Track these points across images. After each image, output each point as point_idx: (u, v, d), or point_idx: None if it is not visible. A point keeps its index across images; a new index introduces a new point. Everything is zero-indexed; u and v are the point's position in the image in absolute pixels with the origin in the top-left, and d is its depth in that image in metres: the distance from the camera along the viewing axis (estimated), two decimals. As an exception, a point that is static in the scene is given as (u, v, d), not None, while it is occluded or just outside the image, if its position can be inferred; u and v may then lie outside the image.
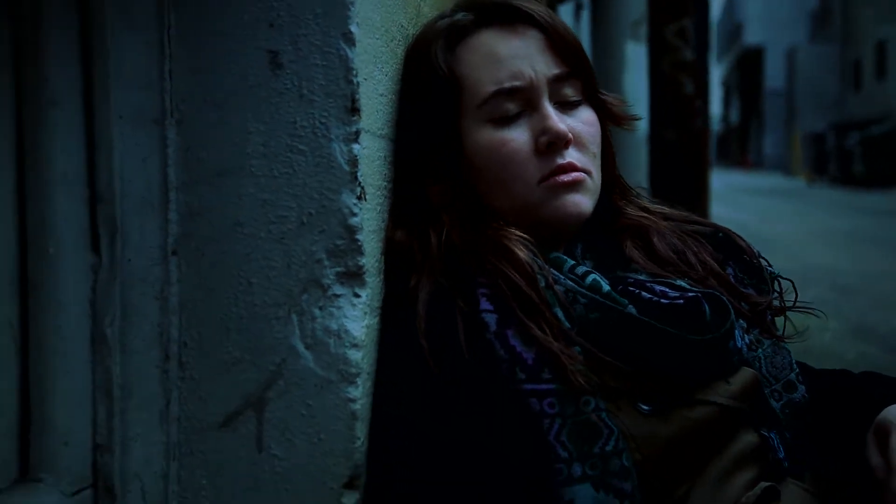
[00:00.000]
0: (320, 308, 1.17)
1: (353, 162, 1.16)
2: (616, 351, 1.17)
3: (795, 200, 17.61)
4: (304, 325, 1.17)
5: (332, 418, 1.17)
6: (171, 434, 1.18)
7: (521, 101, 1.27)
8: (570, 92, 1.30)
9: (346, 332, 1.17)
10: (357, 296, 1.18)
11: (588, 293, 1.20)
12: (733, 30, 45.29)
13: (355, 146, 1.16)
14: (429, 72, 1.28)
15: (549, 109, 1.26)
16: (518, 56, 1.27)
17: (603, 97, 1.37)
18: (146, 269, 1.17)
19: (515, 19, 1.30)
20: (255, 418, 1.18)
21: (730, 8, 47.59)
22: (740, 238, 1.41)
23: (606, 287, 1.22)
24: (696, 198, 8.29)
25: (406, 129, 1.30)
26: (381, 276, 1.25)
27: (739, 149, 41.48)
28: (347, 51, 1.15)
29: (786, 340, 1.36)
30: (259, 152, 1.17)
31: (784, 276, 1.40)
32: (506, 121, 1.26)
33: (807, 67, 34.36)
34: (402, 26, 1.32)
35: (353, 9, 1.15)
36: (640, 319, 1.19)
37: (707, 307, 1.22)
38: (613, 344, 1.18)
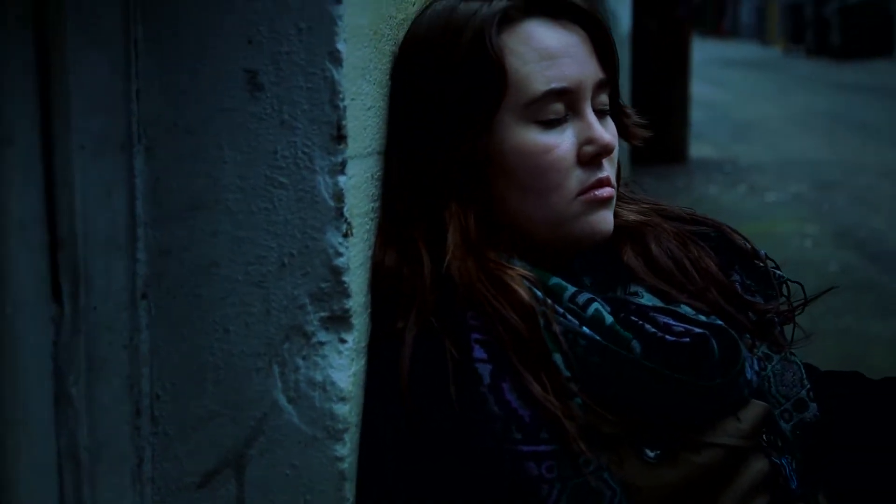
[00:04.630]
0: (303, 357, 1.05)
1: (339, 196, 1.03)
2: (618, 396, 1.09)
3: (773, 73, 17.23)
4: (286, 376, 1.05)
5: (319, 479, 1.05)
6: (146, 496, 1.07)
7: (567, 104, 1.16)
8: (604, 100, 1.20)
9: (332, 383, 1.05)
10: (343, 341, 1.06)
11: (589, 333, 1.10)
12: None
13: (341, 178, 1.03)
14: (469, 60, 1.13)
15: (594, 117, 1.17)
16: (569, 55, 1.16)
17: (623, 108, 1.26)
18: (113, 316, 1.06)
19: (563, 13, 1.18)
20: (235, 478, 1.07)
21: None
22: (739, 235, 1.30)
23: (609, 319, 1.12)
24: (678, 100, 8.18)
25: (415, 132, 1.16)
26: (369, 311, 1.12)
27: (715, 16, 40.30)
28: (334, 72, 1.02)
29: (793, 351, 1.26)
30: (235, 185, 1.04)
31: (792, 280, 1.29)
32: (552, 123, 1.15)
33: (786, -68, 33.43)
34: (390, 17, 1.18)
35: (340, 23, 1.02)
36: (643, 365, 1.09)
37: (715, 345, 1.12)
38: (615, 388, 1.09)
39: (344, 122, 1.03)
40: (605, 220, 1.17)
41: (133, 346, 1.06)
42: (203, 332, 1.06)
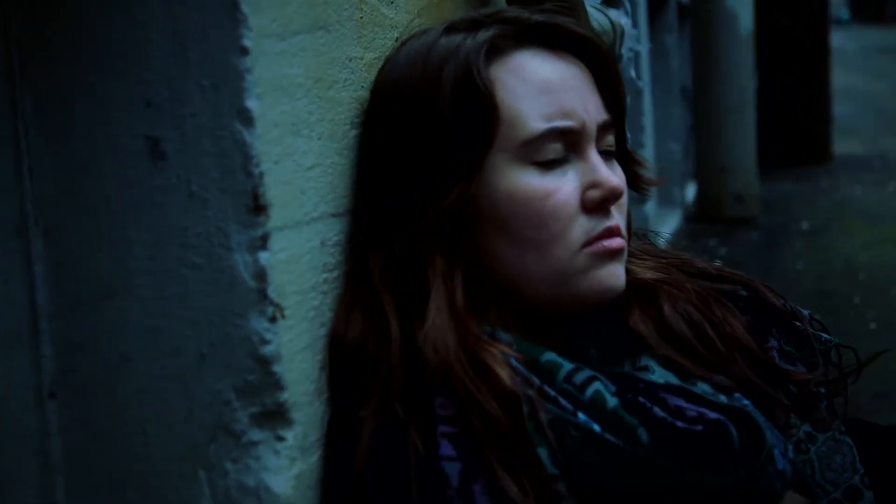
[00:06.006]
0: (233, 460, 0.92)
1: (261, 275, 0.89)
2: (617, 497, 0.93)
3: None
4: (213, 482, 0.92)
5: None
6: None
7: (568, 144, 1.01)
8: (609, 141, 1.05)
9: (267, 489, 0.92)
10: (281, 439, 0.92)
11: (583, 422, 0.94)
12: None
13: (263, 254, 0.90)
14: (454, 97, 0.99)
15: (598, 158, 1.02)
16: (569, 89, 1.01)
17: (631, 153, 1.12)
18: (18, 420, 0.94)
19: (562, 45, 1.04)
20: None
21: None
22: (774, 293, 1.12)
23: (612, 402, 0.96)
24: (817, 96, 7.76)
25: (393, 183, 1.02)
26: (324, 397, 0.99)
27: (877, 2, 39.08)
28: (244, 133, 0.88)
29: (843, 429, 1.07)
30: (144, 268, 0.92)
31: (844, 344, 1.11)
32: (551, 165, 1.00)
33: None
34: (349, 60, 1.04)
35: (249, 76, 0.88)
36: (649, 459, 0.92)
37: (735, 432, 0.95)
38: (614, 488, 0.93)
39: (262, 190, 0.89)
40: (615, 275, 1.01)
41: (43, 452, 0.94)
42: (120, 436, 0.94)
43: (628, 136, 1.14)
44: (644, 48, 3.04)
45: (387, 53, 1.10)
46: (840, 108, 8.67)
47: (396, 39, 1.14)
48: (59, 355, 0.94)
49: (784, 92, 7.48)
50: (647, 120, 3.64)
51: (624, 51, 2.01)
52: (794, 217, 5.86)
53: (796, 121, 7.63)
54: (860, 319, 3.53)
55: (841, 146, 8.18)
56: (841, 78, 10.07)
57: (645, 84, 2.47)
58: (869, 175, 7.26)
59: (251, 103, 0.88)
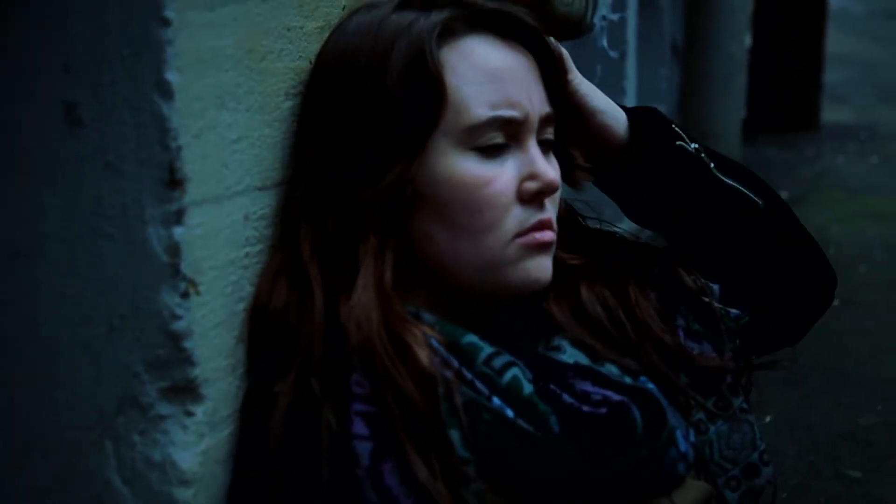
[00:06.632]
0: (140, 433, 0.92)
1: (174, 250, 0.88)
2: (526, 480, 0.94)
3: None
4: (120, 453, 0.92)
5: (159, 570, 0.93)
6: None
7: (510, 134, 1.00)
8: (549, 133, 1.05)
9: (173, 464, 0.91)
10: (190, 414, 0.92)
11: (497, 406, 0.94)
12: None
13: (177, 230, 0.88)
14: (403, 76, 0.98)
15: (538, 150, 1.02)
16: (516, 79, 1.01)
17: (568, 146, 1.11)
18: (-75, 377, 0.93)
19: (511, 32, 1.03)
20: (67, 562, 0.94)
21: None
22: (685, 269, 1.13)
23: (528, 389, 0.97)
24: (809, 61, 7.62)
25: (332, 157, 1.00)
26: (240, 371, 0.98)
27: None
28: (163, 105, 0.86)
29: (745, 406, 1.10)
30: (57, 234, 0.90)
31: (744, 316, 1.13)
32: (492, 152, 1.00)
33: None
34: (286, 30, 1.02)
35: (170, 48, 0.86)
36: (552, 446, 0.94)
37: (638, 414, 0.97)
38: (522, 472, 0.94)
39: (178, 164, 0.87)
40: (543, 267, 1.02)
41: (-49, 412, 0.94)
42: (30, 399, 0.93)
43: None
44: (631, 12, 3.00)
45: (331, 23, 1.08)
46: (835, 75, 8.50)
47: (344, 8, 1.11)
48: (-29, 315, 0.93)
49: (775, 55, 7.37)
50: (630, 83, 3.60)
51: (596, 20, 1.98)
52: (773, 185, 5.85)
53: (785, 86, 7.53)
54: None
55: (831, 114, 8.05)
56: (841, 44, 9.87)
57: (617, 53, 2.45)
58: (854, 145, 7.16)
59: (171, 76, 0.86)
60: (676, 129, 1.13)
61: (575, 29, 1.67)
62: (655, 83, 5.16)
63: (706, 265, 1.15)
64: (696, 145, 1.14)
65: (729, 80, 5.52)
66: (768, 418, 2.72)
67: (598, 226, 1.19)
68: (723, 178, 1.14)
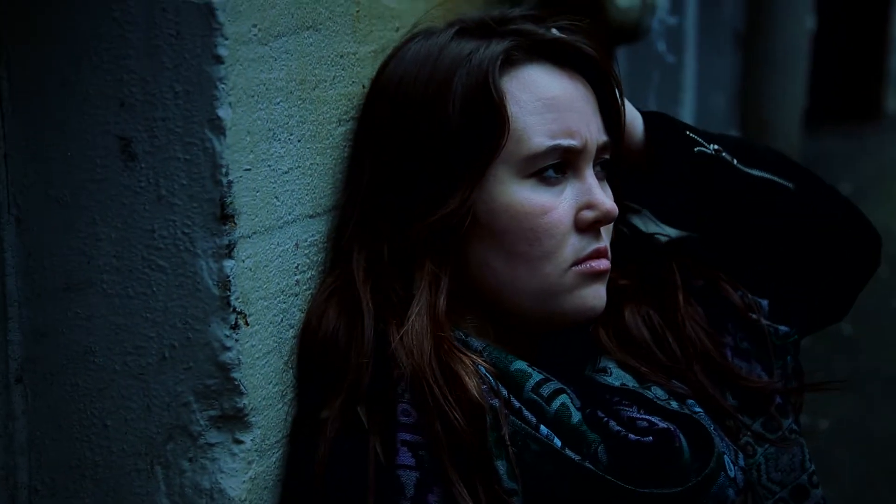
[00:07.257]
0: (189, 460, 0.93)
1: (224, 283, 0.89)
2: None
3: None
4: (170, 479, 0.94)
5: None
6: None
7: (568, 162, 1.01)
8: (605, 163, 1.06)
9: (221, 491, 0.93)
10: (238, 442, 0.94)
11: (544, 436, 0.95)
12: None
13: (228, 263, 0.89)
14: (465, 104, 0.98)
15: (595, 180, 1.03)
16: (575, 109, 1.02)
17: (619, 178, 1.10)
18: (-16, 402, 0.95)
19: (571, 62, 1.04)
20: (117, 585, 0.96)
21: None
22: (733, 288, 1.12)
23: (576, 417, 0.98)
24: (873, 46, 7.34)
25: (389, 183, 1.01)
26: (290, 397, 0.99)
27: None
28: (215, 141, 0.87)
29: (795, 428, 1.09)
30: (111, 265, 0.92)
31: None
32: (550, 182, 1.01)
33: None
34: (339, 57, 1.03)
35: (222, 85, 0.86)
36: (600, 477, 0.94)
37: (684, 441, 0.97)
38: (569, 499, 0.95)
39: (229, 200, 0.88)
40: (598, 295, 1.03)
41: (7, 433, 0.96)
42: (81, 425, 0.95)
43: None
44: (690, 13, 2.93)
45: (385, 46, 1.08)
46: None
47: (397, 30, 1.11)
48: (27, 342, 0.95)
49: (836, 41, 7.17)
50: (689, 73, 3.55)
51: (655, 23, 1.96)
52: (833, 178, 5.72)
53: (847, 73, 7.34)
54: (883, 296, 3.47)
55: (895, 103, 7.87)
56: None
57: (671, 58, 2.40)
58: (922, 135, 7.03)
59: (223, 112, 0.87)
60: (691, 134, 1.11)
61: (631, 34, 1.66)
62: (714, 71, 5.08)
63: (745, 259, 1.14)
64: (716, 146, 1.11)
65: (791, 66, 5.42)
66: (825, 424, 2.68)
67: (641, 224, 1.18)
68: (748, 170, 1.12)
